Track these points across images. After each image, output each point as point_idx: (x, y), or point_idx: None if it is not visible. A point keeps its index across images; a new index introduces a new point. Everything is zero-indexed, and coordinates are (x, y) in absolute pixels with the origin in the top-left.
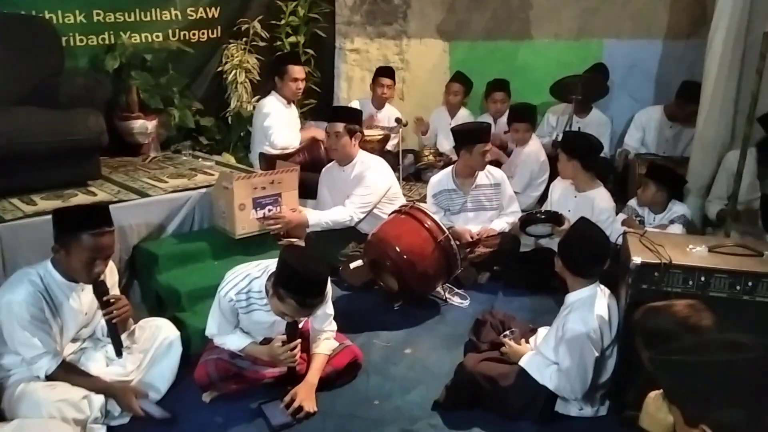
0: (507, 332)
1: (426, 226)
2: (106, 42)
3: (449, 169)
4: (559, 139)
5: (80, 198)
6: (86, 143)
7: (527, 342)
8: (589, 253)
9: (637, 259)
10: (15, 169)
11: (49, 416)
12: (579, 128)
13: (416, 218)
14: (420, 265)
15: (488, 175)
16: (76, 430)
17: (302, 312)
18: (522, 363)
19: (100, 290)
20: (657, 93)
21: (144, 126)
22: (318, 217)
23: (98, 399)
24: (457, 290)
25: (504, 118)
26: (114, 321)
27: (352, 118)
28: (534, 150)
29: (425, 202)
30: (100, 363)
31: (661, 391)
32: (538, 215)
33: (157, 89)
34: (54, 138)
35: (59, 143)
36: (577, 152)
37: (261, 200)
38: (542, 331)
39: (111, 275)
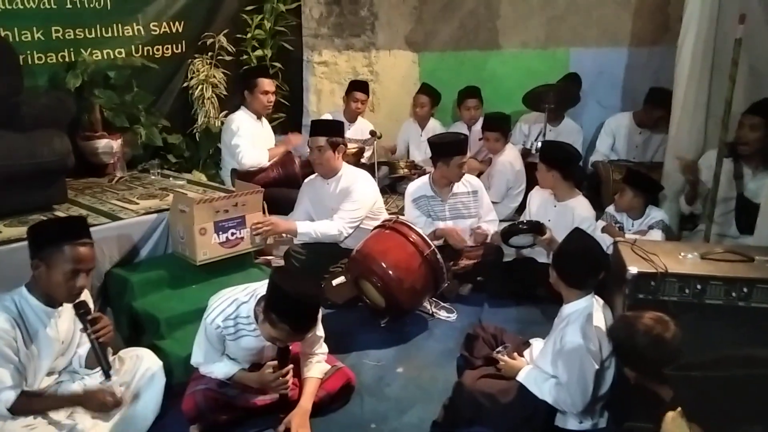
0: (500, 348)
1: (411, 240)
2: (67, 59)
3: (426, 177)
4: (532, 148)
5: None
6: (51, 166)
7: (521, 355)
8: (585, 265)
9: (633, 269)
10: None
11: None
12: (552, 137)
13: (401, 232)
14: (407, 281)
15: (465, 183)
16: None
17: (295, 337)
18: (520, 378)
19: (82, 309)
20: (624, 99)
21: (109, 145)
22: (307, 226)
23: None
24: (443, 304)
25: (478, 126)
26: (100, 340)
27: (334, 131)
28: (509, 159)
29: (404, 214)
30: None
31: (679, 409)
32: (520, 226)
33: (122, 107)
34: (16, 161)
35: (22, 167)
36: (556, 162)
37: (224, 224)
38: (536, 343)
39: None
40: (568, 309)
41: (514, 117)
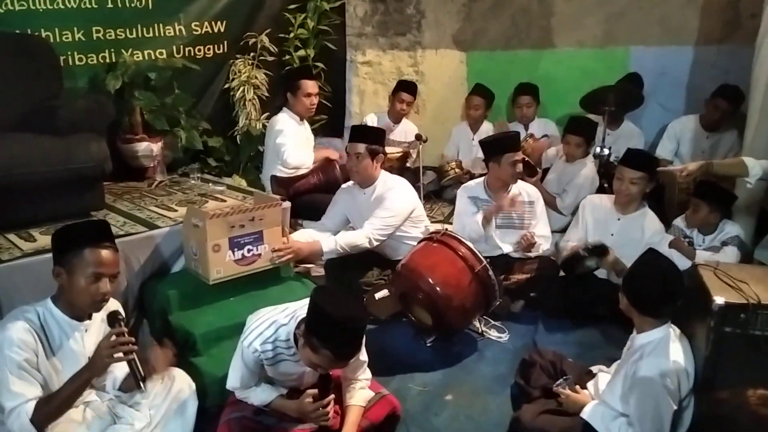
0: (560, 380)
1: (461, 254)
2: (107, 60)
3: (482, 179)
4: (604, 155)
5: None
6: (88, 171)
7: (584, 387)
8: (662, 291)
9: (719, 300)
10: (11, 202)
11: None
12: (611, 141)
13: (450, 246)
14: (456, 299)
15: (522, 191)
16: None
17: (338, 364)
18: (585, 415)
19: (118, 317)
20: (688, 102)
21: (149, 148)
22: (332, 244)
23: None
24: (493, 322)
25: (535, 125)
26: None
27: (375, 138)
28: (591, 175)
29: (449, 223)
30: (105, 420)
31: None
32: (582, 253)
33: (162, 109)
34: (53, 167)
35: (59, 173)
36: (647, 169)
37: (239, 240)
38: (602, 375)
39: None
40: (641, 339)
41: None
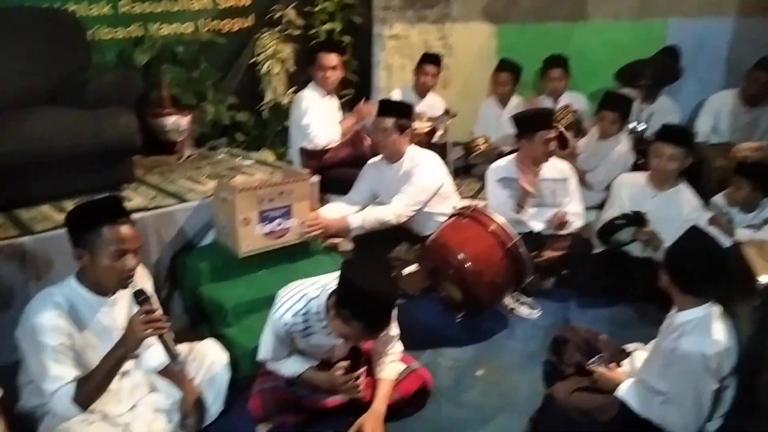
0: (595, 358)
1: (491, 230)
2: (135, 35)
3: (512, 157)
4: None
5: None
6: (118, 145)
7: (618, 366)
8: (706, 269)
9: (765, 279)
10: (44, 175)
11: None
12: (646, 116)
13: (480, 222)
14: (487, 275)
15: (555, 168)
16: None
17: (368, 336)
18: (621, 394)
19: (142, 296)
20: (728, 76)
21: (177, 123)
22: (360, 219)
23: (139, 431)
24: (524, 299)
25: (565, 99)
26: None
27: (402, 112)
28: (625, 151)
29: (478, 198)
30: (143, 388)
31: None
32: (618, 221)
33: (190, 83)
34: (84, 141)
35: (89, 146)
36: (685, 145)
37: (268, 213)
38: (639, 354)
39: (145, 283)
40: (682, 317)
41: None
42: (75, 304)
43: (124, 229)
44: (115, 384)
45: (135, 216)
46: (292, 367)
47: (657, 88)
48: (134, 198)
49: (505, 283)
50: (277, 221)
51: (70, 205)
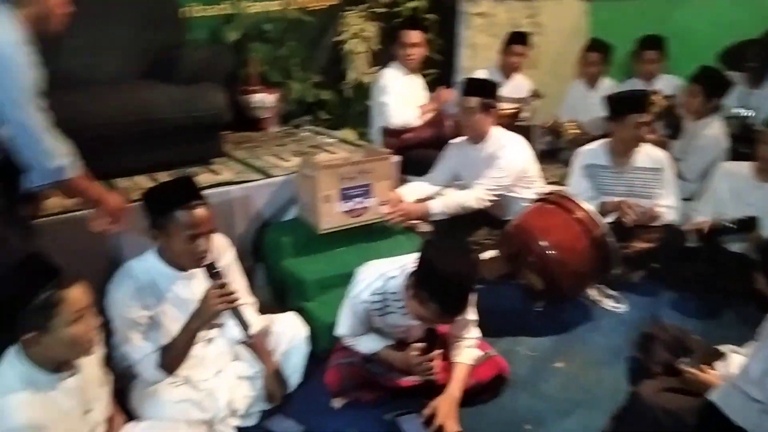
0: (686, 358)
1: (577, 217)
2: (226, 12)
3: (603, 141)
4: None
5: (204, 177)
6: (209, 120)
7: (710, 367)
8: None
9: None
10: (140, 147)
11: (173, 418)
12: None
13: (566, 208)
14: (571, 264)
15: (649, 156)
16: (202, 431)
17: (444, 318)
18: (714, 398)
19: (214, 270)
20: None
21: (264, 100)
22: (441, 205)
23: (223, 396)
24: (610, 292)
25: (659, 82)
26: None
27: (488, 92)
28: (716, 134)
29: (563, 185)
30: (227, 356)
31: None
32: (729, 225)
33: (277, 61)
34: (177, 115)
35: (182, 120)
36: None
37: (349, 191)
38: (735, 358)
39: (225, 254)
40: None
41: None
42: (154, 278)
43: (197, 213)
44: (200, 351)
45: (222, 189)
46: (368, 344)
47: (766, 71)
48: (222, 172)
49: (590, 273)
50: (356, 200)
51: (163, 176)
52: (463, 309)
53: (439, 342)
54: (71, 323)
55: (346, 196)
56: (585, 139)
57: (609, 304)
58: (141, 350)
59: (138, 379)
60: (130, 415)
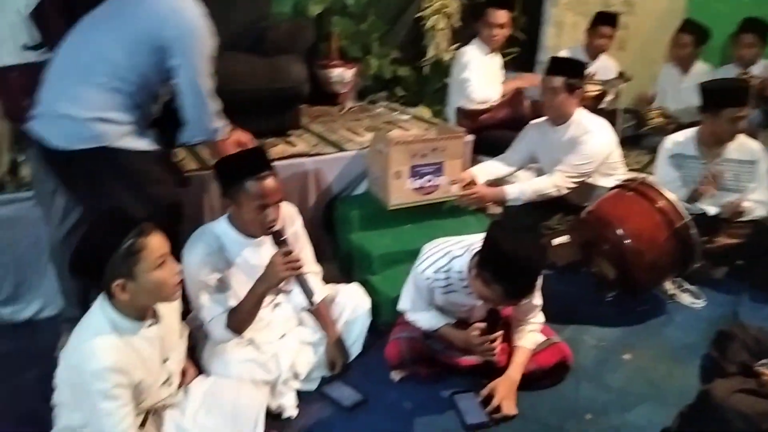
0: (766, 360)
1: (659, 207)
2: None
3: (693, 130)
4: None
5: (280, 148)
6: (289, 92)
7: None
8: None
9: None
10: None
11: (237, 376)
12: None
13: (647, 197)
14: (648, 255)
15: (743, 148)
16: (265, 392)
17: (509, 301)
18: None
19: (281, 237)
20: None
21: (342, 75)
22: (518, 191)
23: (286, 359)
24: (688, 286)
25: (757, 68)
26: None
27: (575, 72)
28: None
29: (646, 173)
30: (292, 321)
31: None
32: None
33: (357, 36)
34: (260, 86)
35: (265, 92)
36: None
37: (420, 169)
38: None
39: (293, 222)
40: None
41: None
42: (225, 243)
43: (267, 183)
44: (267, 315)
45: (297, 161)
46: (429, 320)
47: None
48: (298, 144)
49: (668, 266)
50: (427, 177)
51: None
52: (528, 293)
53: (501, 324)
54: (154, 269)
55: (417, 173)
56: (672, 127)
57: (686, 299)
58: (211, 311)
59: (208, 338)
60: (200, 371)
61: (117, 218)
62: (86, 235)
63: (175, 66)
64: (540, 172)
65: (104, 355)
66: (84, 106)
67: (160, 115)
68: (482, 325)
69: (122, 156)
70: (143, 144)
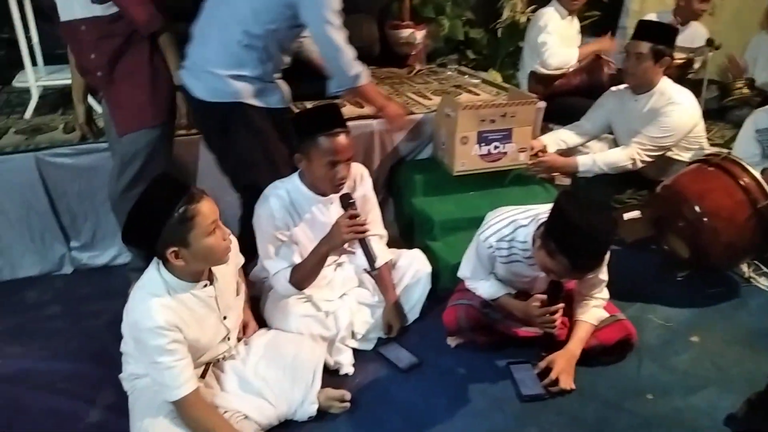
0: None
1: (742, 184)
2: None
3: None
4: None
5: (348, 109)
6: (360, 52)
7: None
8: None
9: None
10: (289, 75)
11: (297, 330)
12: None
13: (730, 173)
14: (726, 234)
15: None
16: (323, 347)
17: (573, 274)
18: None
19: (349, 200)
20: None
21: (413, 36)
22: (590, 162)
23: (344, 317)
24: (766, 269)
25: None
26: (361, 239)
27: (663, 38)
28: None
29: (729, 148)
30: (353, 282)
31: None
32: None
33: None
34: None
35: None
36: None
37: (487, 135)
38: None
39: (362, 183)
40: None
41: None
42: (295, 199)
43: (339, 140)
44: (329, 273)
45: (364, 122)
46: (489, 289)
47: None
48: (365, 105)
49: (747, 247)
50: (495, 144)
51: (310, 105)
52: (594, 267)
53: (563, 298)
54: (207, 235)
55: (484, 140)
56: (758, 100)
57: (763, 282)
58: (276, 265)
59: (272, 290)
60: (263, 323)
61: (167, 184)
62: (138, 202)
63: (307, 21)
64: (614, 144)
65: (158, 316)
66: (223, 64)
67: (290, 66)
68: (543, 296)
69: (252, 112)
70: (273, 100)
